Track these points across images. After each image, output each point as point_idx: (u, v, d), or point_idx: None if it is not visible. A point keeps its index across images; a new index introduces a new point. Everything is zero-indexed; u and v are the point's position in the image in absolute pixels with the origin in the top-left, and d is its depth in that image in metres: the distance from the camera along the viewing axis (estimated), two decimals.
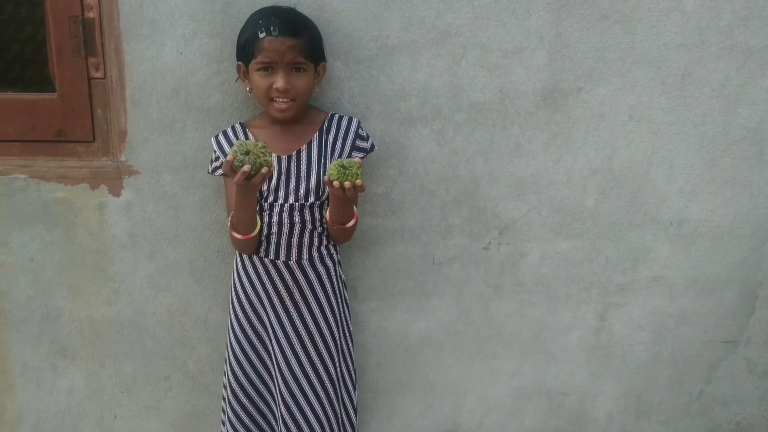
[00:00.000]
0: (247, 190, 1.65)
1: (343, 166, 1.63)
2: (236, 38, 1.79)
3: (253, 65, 1.72)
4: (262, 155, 1.58)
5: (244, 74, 1.79)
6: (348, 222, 1.80)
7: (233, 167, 1.58)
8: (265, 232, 1.82)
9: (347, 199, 1.70)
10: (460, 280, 2.11)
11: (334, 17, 1.86)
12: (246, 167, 1.56)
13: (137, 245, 2.05)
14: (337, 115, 1.86)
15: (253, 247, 1.84)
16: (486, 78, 1.93)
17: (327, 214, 1.81)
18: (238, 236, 1.77)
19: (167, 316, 2.12)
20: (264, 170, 1.58)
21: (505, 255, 2.08)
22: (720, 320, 2.17)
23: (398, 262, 2.09)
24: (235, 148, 1.58)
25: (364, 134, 1.87)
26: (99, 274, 2.08)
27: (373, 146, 1.88)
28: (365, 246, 2.06)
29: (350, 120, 1.86)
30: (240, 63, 1.78)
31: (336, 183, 1.63)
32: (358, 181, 1.63)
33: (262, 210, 1.81)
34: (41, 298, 2.10)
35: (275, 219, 1.81)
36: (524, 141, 1.98)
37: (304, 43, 1.71)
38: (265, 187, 1.80)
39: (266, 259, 1.84)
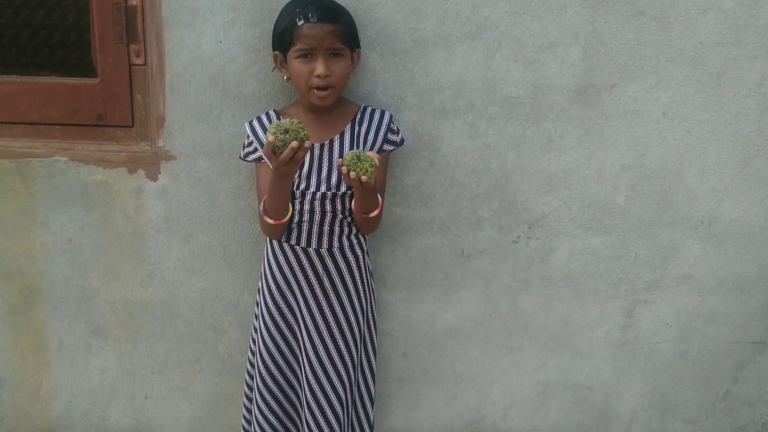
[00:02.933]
0: (288, 169, 1.66)
1: (359, 157, 1.64)
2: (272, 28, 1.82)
3: (291, 53, 1.75)
4: (301, 130, 1.59)
5: (281, 63, 1.82)
6: (371, 212, 1.81)
7: (275, 148, 1.59)
8: (296, 219, 1.84)
9: (365, 189, 1.70)
10: (488, 273, 2.12)
11: (371, 9, 1.88)
12: (294, 143, 1.56)
13: (172, 229, 2.09)
14: (369, 108, 1.89)
15: (283, 232, 1.86)
16: (520, 72, 1.93)
17: (353, 204, 1.83)
18: (270, 221, 1.79)
19: (199, 299, 2.15)
20: (306, 144, 1.60)
21: (534, 249, 2.09)
22: (749, 320, 2.16)
23: (427, 253, 2.10)
24: (272, 129, 1.59)
25: (395, 128, 1.89)
26: (134, 257, 2.12)
27: (403, 140, 1.90)
28: (395, 236, 2.08)
29: (383, 113, 1.88)
30: (277, 52, 1.81)
31: (344, 168, 1.64)
32: (363, 177, 1.63)
33: (293, 197, 1.83)
34: (78, 278, 2.14)
35: (306, 207, 1.83)
36: (556, 136, 1.99)
37: (341, 28, 1.73)
38: (296, 174, 1.83)
39: (297, 247, 1.86)
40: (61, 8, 1.99)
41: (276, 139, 1.58)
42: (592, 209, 2.05)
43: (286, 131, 1.58)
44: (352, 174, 1.63)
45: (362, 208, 1.81)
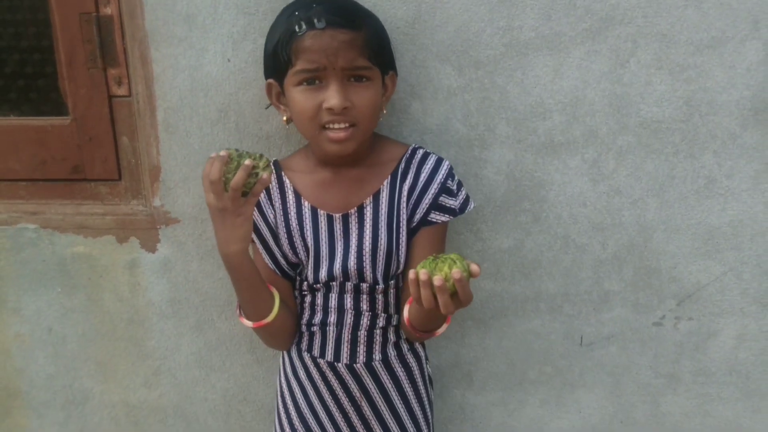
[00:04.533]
0: (242, 211, 1.17)
1: (435, 257, 1.08)
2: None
3: (290, 78, 1.20)
4: (261, 162, 1.16)
5: (278, 97, 1.28)
6: (438, 328, 1.27)
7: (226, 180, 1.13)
8: (317, 319, 1.34)
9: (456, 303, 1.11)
10: (618, 367, 1.61)
11: (441, 1, 1.34)
12: (248, 161, 1.12)
13: (180, 314, 1.64)
14: (420, 151, 1.31)
15: (285, 338, 1.37)
16: (666, 84, 1.39)
17: (405, 313, 1.26)
18: (249, 323, 1.30)
19: (222, 403, 1.70)
20: (265, 176, 1.14)
21: (686, 334, 1.57)
22: None
23: (531, 342, 1.61)
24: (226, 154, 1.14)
25: (454, 187, 1.30)
26: (134, 350, 1.68)
27: (465, 205, 1.31)
28: (485, 319, 1.58)
29: (438, 162, 1.30)
30: (271, 80, 1.26)
31: (423, 273, 1.04)
32: (456, 272, 1.02)
33: (312, 290, 1.33)
34: (64, 377, 1.71)
35: (333, 303, 1.32)
36: (720, 174, 1.45)
37: (364, 36, 1.17)
38: (303, 254, 1.31)
39: (321, 360, 1.35)
40: (14, 24, 1.48)
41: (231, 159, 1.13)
42: None
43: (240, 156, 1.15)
44: (438, 279, 1.03)
45: (424, 324, 1.24)
